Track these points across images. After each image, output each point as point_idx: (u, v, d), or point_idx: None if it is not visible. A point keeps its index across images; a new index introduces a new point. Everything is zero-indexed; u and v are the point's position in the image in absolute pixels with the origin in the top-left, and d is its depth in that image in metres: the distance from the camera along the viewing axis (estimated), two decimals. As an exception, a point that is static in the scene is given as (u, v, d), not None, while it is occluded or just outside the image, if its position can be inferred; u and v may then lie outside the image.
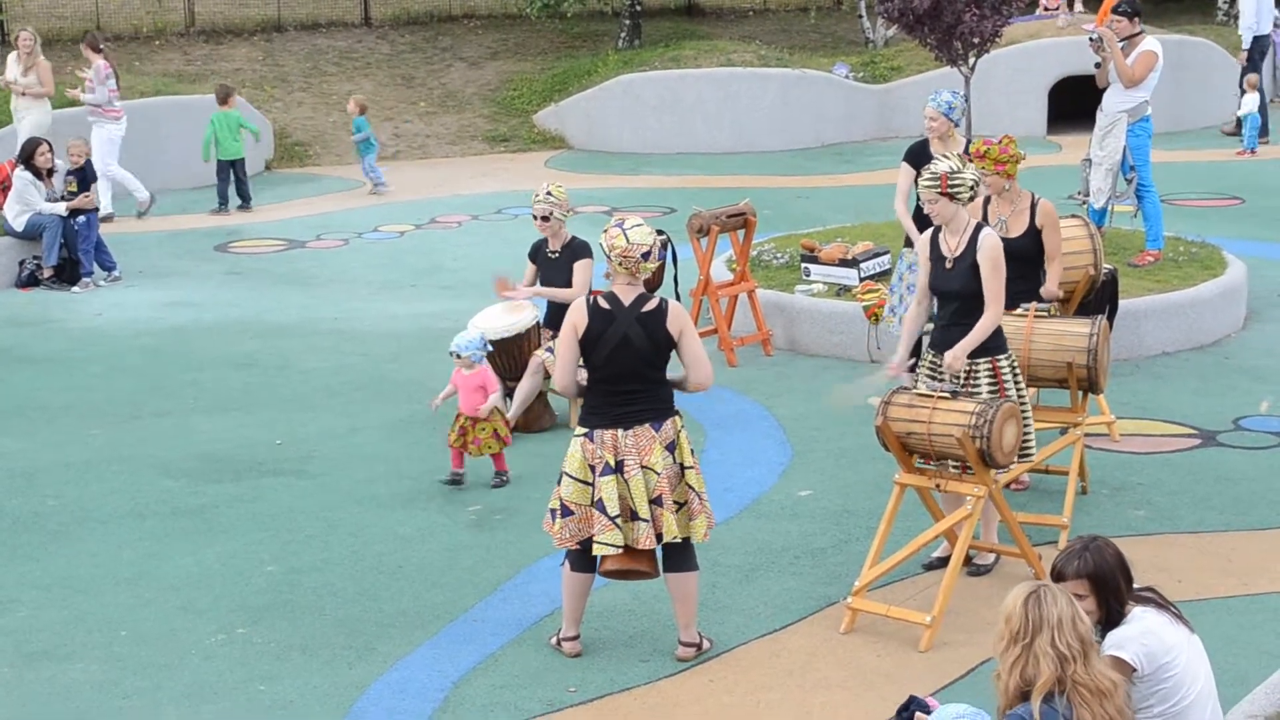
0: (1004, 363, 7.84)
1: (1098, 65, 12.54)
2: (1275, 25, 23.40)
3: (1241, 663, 6.93)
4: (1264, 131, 20.08)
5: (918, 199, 10.02)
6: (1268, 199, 16.93)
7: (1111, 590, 5.50)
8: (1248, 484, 9.17)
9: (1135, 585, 5.64)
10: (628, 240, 7.09)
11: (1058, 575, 5.51)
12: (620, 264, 7.11)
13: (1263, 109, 19.79)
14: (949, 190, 7.71)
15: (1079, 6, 21.52)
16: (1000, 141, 8.90)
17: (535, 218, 10.45)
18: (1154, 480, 9.26)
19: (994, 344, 7.81)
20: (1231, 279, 12.26)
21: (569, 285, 10.34)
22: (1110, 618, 5.50)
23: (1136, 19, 12.57)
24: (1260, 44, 21.06)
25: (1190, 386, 10.93)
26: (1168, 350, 11.64)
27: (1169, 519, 8.74)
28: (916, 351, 10.23)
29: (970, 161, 8.03)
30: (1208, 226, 14.87)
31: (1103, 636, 5.51)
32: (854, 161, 20.16)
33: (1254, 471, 9.36)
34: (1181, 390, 10.86)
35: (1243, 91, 20.12)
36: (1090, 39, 12.60)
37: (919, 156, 10.19)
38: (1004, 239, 8.62)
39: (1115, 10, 12.68)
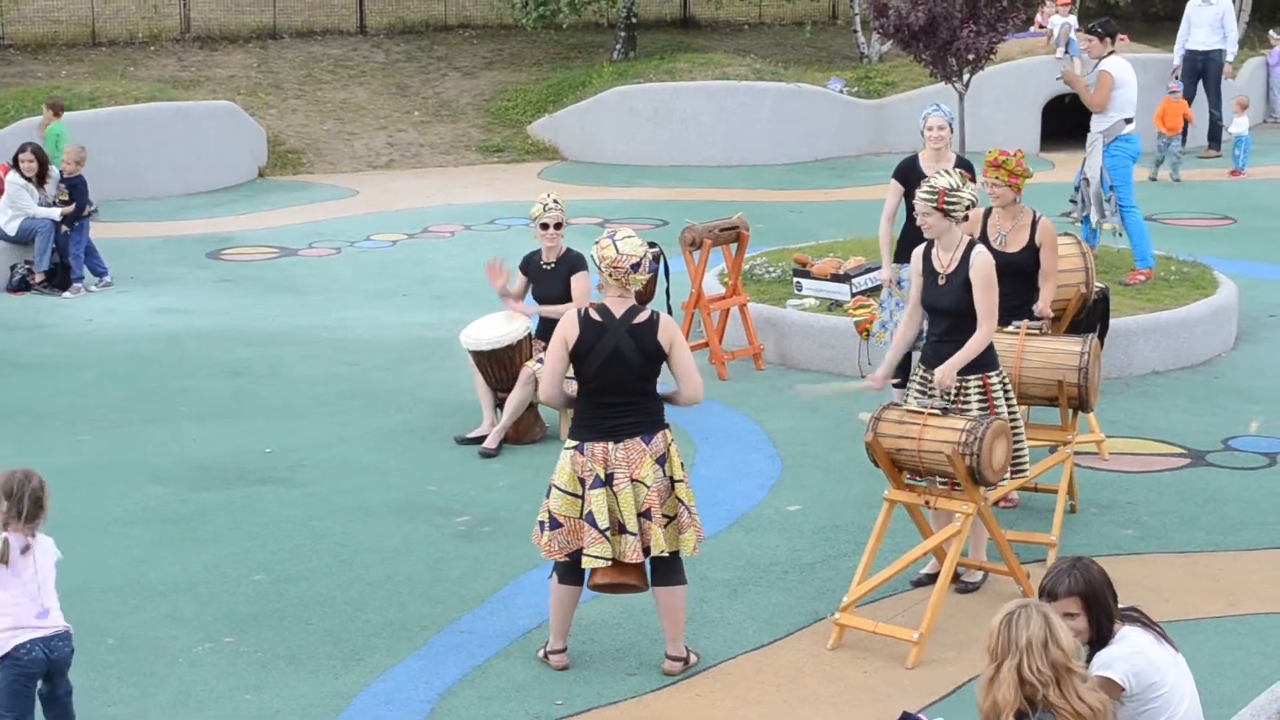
0: (994, 379, 7.84)
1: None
2: (1271, 47, 23.48)
3: (1228, 684, 6.93)
4: (1216, 143, 20.30)
5: (908, 215, 10.08)
6: (1259, 219, 16.96)
7: (1103, 608, 5.52)
8: (1236, 504, 9.18)
9: (1120, 604, 5.65)
10: (617, 251, 7.10)
11: (1049, 595, 5.52)
12: (610, 275, 7.13)
13: (1181, 132, 19.78)
14: (944, 206, 7.71)
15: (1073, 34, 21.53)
16: (1015, 154, 8.93)
17: (547, 226, 10.34)
18: (1143, 499, 9.27)
19: (985, 361, 7.82)
20: (1222, 299, 12.28)
21: (563, 297, 10.32)
22: (1101, 635, 5.52)
23: (1109, 39, 12.71)
24: (1208, 61, 21.08)
25: (1180, 406, 10.95)
26: (1158, 369, 11.65)
27: (1157, 538, 8.75)
28: (904, 372, 10.29)
29: (969, 180, 8.05)
30: (1199, 246, 14.89)
31: (1091, 655, 5.52)
32: (847, 176, 20.18)
33: (1243, 492, 9.37)
34: (1171, 410, 10.87)
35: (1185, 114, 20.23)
36: (1056, 78, 12.86)
37: (908, 174, 10.21)
38: (1003, 253, 8.65)
39: (1089, 30, 12.89)
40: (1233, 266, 13.88)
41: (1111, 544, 8.57)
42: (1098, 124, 12.73)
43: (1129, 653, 5.47)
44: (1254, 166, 19.69)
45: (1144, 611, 5.70)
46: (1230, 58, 21.06)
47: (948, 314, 7.83)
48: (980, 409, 7.76)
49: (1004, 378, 7.91)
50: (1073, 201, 13.10)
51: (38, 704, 6.52)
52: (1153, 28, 22.81)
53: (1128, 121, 12.69)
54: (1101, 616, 5.51)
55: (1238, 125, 19.63)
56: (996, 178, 8.90)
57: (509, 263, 10.70)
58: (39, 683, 6.44)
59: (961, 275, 7.75)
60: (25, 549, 6.34)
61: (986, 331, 7.73)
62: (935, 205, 7.73)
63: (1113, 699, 5.39)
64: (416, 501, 9.47)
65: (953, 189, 7.72)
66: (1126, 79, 12.65)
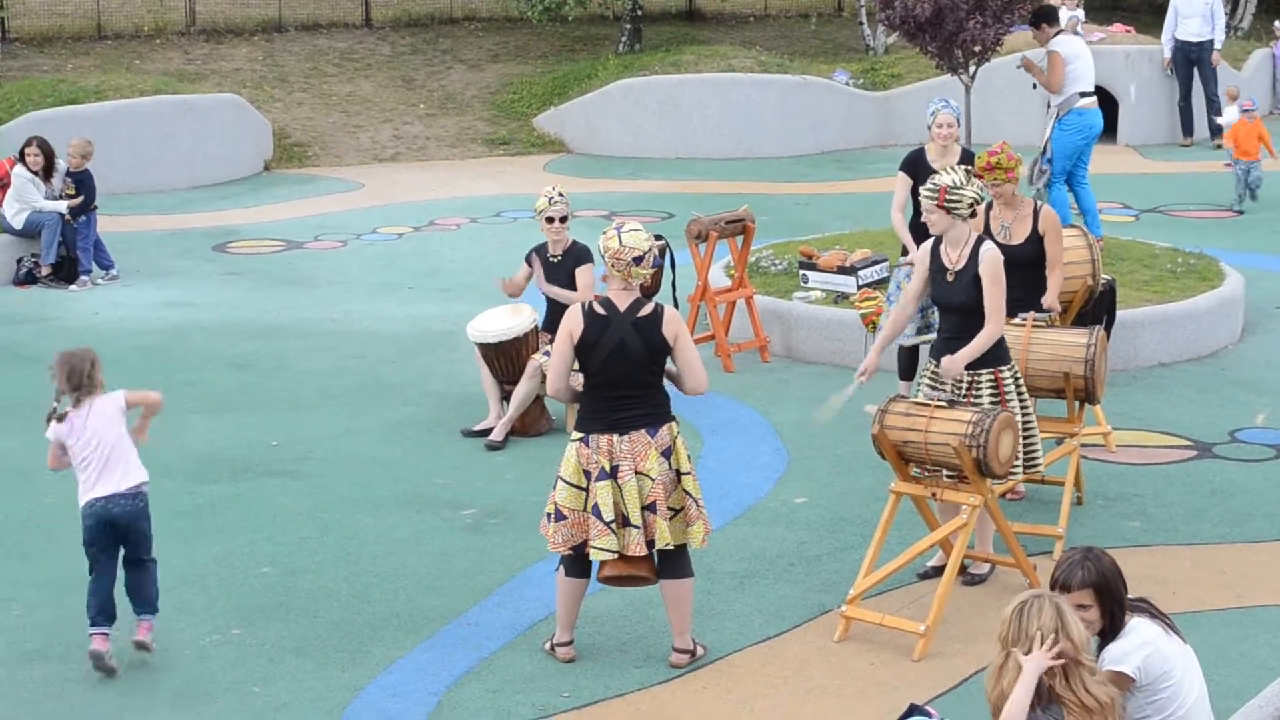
0: (1006, 373, 7.85)
1: (1035, 86, 13.18)
2: (1277, 39, 23.43)
3: (1236, 676, 6.93)
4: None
5: (915, 206, 10.07)
6: (1265, 211, 16.93)
7: (1115, 599, 5.54)
8: (1243, 496, 9.18)
9: (1129, 595, 5.66)
10: (620, 242, 7.11)
11: (1062, 587, 5.53)
12: (612, 266, 7.14)
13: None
14: (946, 204, 7.72)
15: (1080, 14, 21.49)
16: (1001, 150, 8.91)
17: (552, 220, 10.36)
18: (1150, 491, 9.26)
19: (996, 355, 7.82)
20: (1229, 291, 12.26)
21: (569, 289, 10.32)
22: (1113, 626, 5.53)
23: (1045, 26, 13.16)
24: (1202, 51, 21.05)
25: (1187, 398, 10.94)
26: (1165, 361, 11.64)
27: (1164, 530, 8.74)
28: (911, 368, 10.29)
29: (977, 176, 8.04)
30: (1205, 238, 14.88)
31: (1102, 645, 5.53)
32: (853, 168, 20.17)
33: (1250, 484, 9.36)
34: (1178, 402, 10.86)
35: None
36: (1016, 67, 13.45)
37: (915, 166, 10.20)
38: (1007, 245, 8.64)
39: (1028, 23, 13.24)
40: (1239, 258, 13.87)
41: (1118, 536, 8.56)
42: (1055, 99, 13.10)
43: (1139, 645, 5.48)
44: (1262, 159, 19.62)
45: (1153, 602, 5.71)
46: (1219, 45, 21.03)
47: (958, 310, 7.83)
48: (992, 403, 7.76)
49: (1016, 372, 7.92)
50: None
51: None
52: (1159, 19, 22.74)
53: (1083, 95, 12.92)
54: (1114, 607, 5.53)
55: (1228, 115, 19.62)
56: (995, 179, 8.87)
57: (514, 253, 10.70)
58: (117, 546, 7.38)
59: (971, 271, 7.75)
60: (59, 417, 7.48)
61: (995, 327, 7.74)
62: (937, 203, 7.75)
63: (1123, 690, 5.40)
64: (423, 494, 9.48)
65: (954, 186, 7.71)
66: (1078, 54, 13.06)
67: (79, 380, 7.47)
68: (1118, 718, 5.21)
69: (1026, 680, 5.08)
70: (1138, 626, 5.53)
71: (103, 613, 7.31)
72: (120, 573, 7.45)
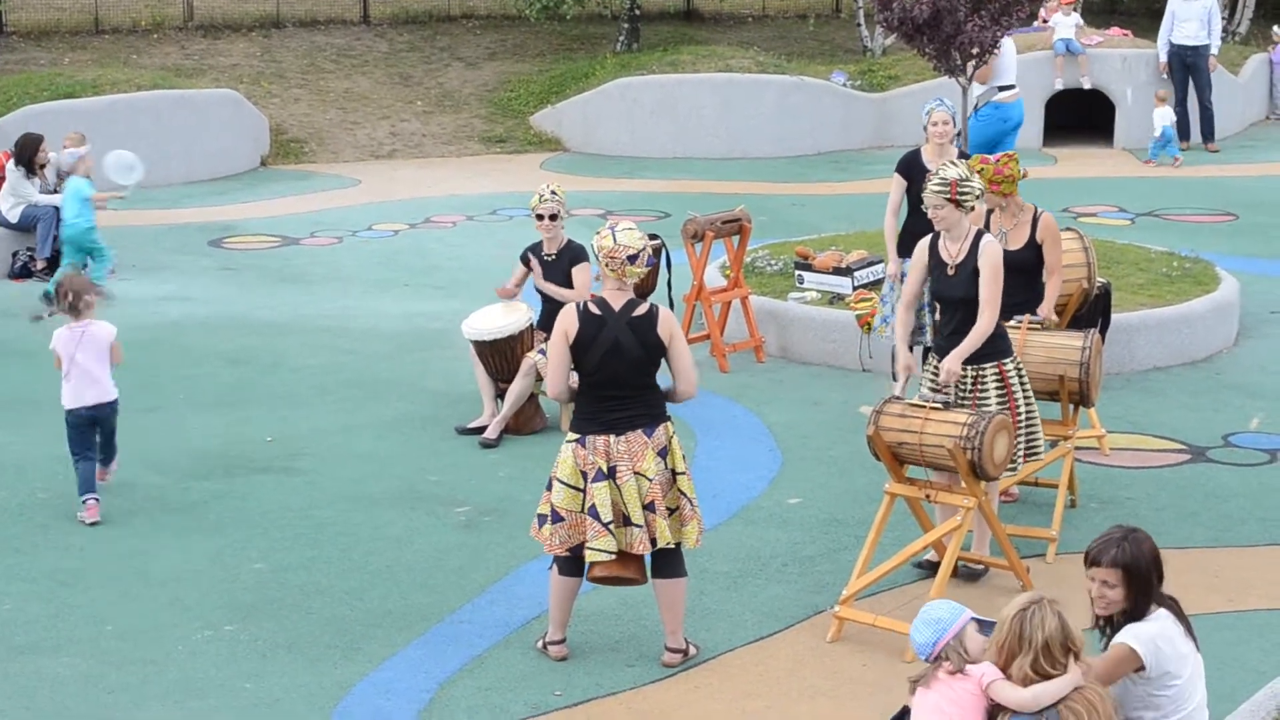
0: (1009, 366, 7.88)
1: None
2: (1275, 44, 23.45)
3: (1228, 679, 6.93)
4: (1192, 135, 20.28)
5: (911, 208, 10.08)
6: (1261, 215, 16.93)
7: (1143, 584, 5.51)
8: (1237, 500, 9.18)
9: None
10: (615, 241, 7.11)
11: (1092, 561, 5.52)
12: (606, 265, 7.14)
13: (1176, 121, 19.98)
14: (957, 196, 7.73)
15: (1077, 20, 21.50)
16: (998, 161, 8.89)
17: (543, 217, 10.35)
18: (1143, 495, 9.27)
19: (999, 348, 7.85)
20: (1224, 295, 12.27)
21: (564, 287, 10.32)
22: (1136, 610, 5.51)
23: None
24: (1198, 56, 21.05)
25: (1181, 402, 10.94)
26: (1159, 365, 11.65)
27: (1157, 534, 8.59)
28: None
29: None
30: (1201, 242, 14.89)
31: (1121, 626, 5.51)
32: (850, 170, 20.16)
33: (1243, 488, 9.37)
34: (1172, 405, 10.87)
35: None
36: None
37: (911, 167, 10.19)
38: (1005, 251, 8.65)
39: None
40: (1234, 263, 13.88)
41: (1111, 539, 8.56)
42: (975, 90, 13.37)
43: (1158, 633, 5.46)
44: (1257, 163, 19.69)
45: (1180, 604, 5.69)
46: (1215, 50, 21.01)
47: (959, 304, 7.83)
48: (999, 397, 7.78)
49: (1018, 364, 7.95)
50: None
51: None
52: (1156, 23, 22.76)
53: (1002, 89, 13.05)
54: (1140, 594, 5.49)
55: (1159, 118, 19.71)
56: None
57: (511, 252, 10.70)
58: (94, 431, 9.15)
59: (971, 264, 7.76)
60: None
61: (989, 320, 7.74)
62: (948, 197, 7.74)
63: (1127, 674, 5.39)
64: (417, 491, 9.48)
65: (963, 179, 7.74)
66: (1002, 49, 13.24)
67: (77, 302, 8.98)
68: (1110, 711, 5.21)
69: (1069, 680, 5.09)
70: (1163, 618, 5.52)
71: (89, 485, 9.06)
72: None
